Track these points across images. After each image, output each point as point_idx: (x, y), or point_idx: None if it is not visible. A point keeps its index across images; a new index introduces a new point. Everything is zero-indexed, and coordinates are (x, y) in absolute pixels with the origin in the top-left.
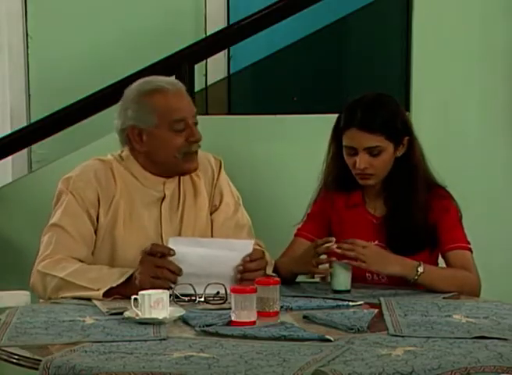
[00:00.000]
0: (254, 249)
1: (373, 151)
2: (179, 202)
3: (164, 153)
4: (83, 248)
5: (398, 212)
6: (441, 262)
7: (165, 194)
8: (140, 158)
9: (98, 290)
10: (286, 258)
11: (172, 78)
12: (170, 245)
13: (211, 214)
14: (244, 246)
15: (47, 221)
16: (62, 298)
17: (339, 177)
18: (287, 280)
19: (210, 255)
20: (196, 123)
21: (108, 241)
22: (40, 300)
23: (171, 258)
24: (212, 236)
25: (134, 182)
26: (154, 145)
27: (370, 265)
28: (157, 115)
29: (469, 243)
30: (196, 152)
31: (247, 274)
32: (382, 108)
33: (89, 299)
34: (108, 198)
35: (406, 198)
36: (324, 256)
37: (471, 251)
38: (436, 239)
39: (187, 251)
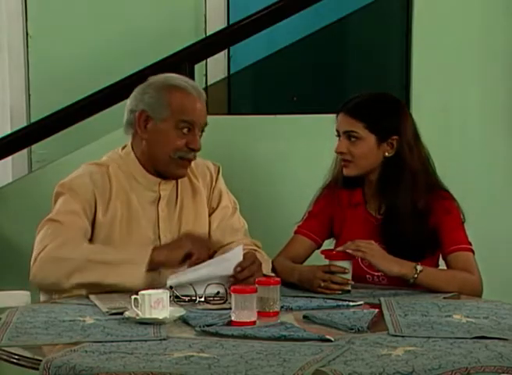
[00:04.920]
0: (245, 255)
1: (351, 137)
2: (176, 202)
3: (161, 148)
4: (82, 239)
5: (393, 214)
6: (441, 264)
7: (160, 195)
8: (139, 148)
9: (135, 263)
10: (287, 262)
11: (198, 84)
12: (169, 282)
13: (209, 216)
14: (235, 255)
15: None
16: (78, 285)
17: (342, 174)
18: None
19: (204, 274)
20: (201, 135)
21: (106, 240)
22: (41, 296)
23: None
24: (209, 237)
25: (131, 182)
26: (155, 137)
27: (371, 257)
28: (169, 110)
29: (471, 244)
30: (190, 161)
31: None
32: (374, 102)
33: (88, 298)
34: (105, 200)
35: (402, 201)
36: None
37: (473, 253)
38: (437, 242)
39: (186, 278)
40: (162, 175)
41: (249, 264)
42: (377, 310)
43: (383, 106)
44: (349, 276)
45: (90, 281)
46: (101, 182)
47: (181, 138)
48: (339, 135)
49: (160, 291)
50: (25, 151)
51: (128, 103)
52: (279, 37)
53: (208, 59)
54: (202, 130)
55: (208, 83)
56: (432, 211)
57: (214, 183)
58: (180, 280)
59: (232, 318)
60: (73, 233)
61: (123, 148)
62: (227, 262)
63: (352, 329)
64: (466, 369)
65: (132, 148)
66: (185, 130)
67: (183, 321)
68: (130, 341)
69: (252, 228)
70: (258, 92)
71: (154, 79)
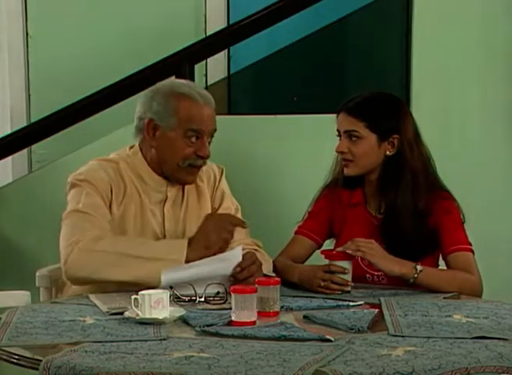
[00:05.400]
0: (244, 255)
1: (351, 136)
2: (182, 203)
3: (170, 156)
4: (111, 232)
5: (393, 214)
6: (442, 264)
7: (167, 196)
8: (148, 153)
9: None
10: (287, 261)
11: (207, 93)
12: (163, 277)
13: None
14: (234, 255)
15: (61, 212)
16: (114, 280)
17: (342, 174)
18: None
19: (203, 272)
20: (210, 141)
21: (118, 233)
22: (41, 296)
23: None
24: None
25: (140, 182)
26: (164, 145)
27: (371, 257)
28: (177, 119)
29: (470, 244)
30: (199, 167)
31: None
32: (375, 101)
33: (88, 298)
34: (119, 194)
35: (402, 201)
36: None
37: (473, 253)
38: (437, 242)
39: (181, 276)
40: (170, 178)
41: (249, 264)
42: (377, 310)
43: (384, 105)
44: (349, 276)
45: (123, 279)
46: (115, 176)
47: (190, 147)
48: (339, 135)
49: (160, 291)
50: (25, 151)
51: (137, 110)
52: (279, 37)
53: (208, 59)
54: (211, 136)
55: (208, 83)
56: (432, 211)
57: (217, 183)
58: (175, 277)
59: (233, 318)
60: (104, 225)
61: (131, 147)
62: (226, 262)
63: (352, 329)
64: (466, 369)
65: (140, 149)
66: (193, 139)
67: (183, 321)
68: (130, 341)
69: (252, 228)
70: (258, 92)
71: (161, 84)
